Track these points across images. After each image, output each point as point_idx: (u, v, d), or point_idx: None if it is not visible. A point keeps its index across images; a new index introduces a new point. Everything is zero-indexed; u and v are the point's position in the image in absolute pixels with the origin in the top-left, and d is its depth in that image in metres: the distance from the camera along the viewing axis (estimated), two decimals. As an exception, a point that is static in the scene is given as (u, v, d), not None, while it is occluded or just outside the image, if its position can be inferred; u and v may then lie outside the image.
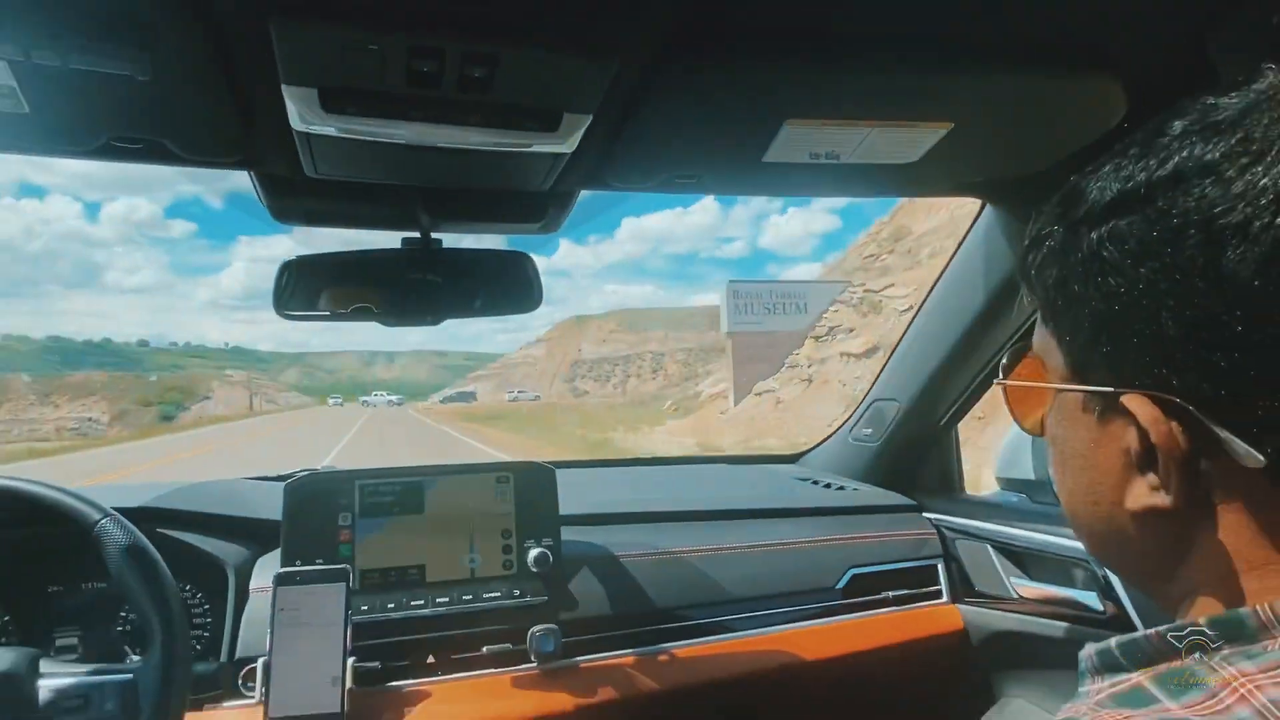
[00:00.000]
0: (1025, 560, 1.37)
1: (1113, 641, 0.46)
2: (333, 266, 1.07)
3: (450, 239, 1.11)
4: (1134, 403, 0.42)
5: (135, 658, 1.11)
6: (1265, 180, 0.36)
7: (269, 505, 1.27)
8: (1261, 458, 0.38)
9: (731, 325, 27.52)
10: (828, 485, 1.68)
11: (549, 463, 1.32)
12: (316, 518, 1.17)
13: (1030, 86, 0.82)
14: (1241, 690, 0.38)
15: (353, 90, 0.69)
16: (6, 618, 1.17)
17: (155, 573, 0.90)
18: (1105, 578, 1.19)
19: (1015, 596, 1.37)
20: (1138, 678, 0.42)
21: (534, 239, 1.23)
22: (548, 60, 0.68)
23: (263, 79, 0.68)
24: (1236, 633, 0.40)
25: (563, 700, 1.14)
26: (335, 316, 1.09)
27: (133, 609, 0.96)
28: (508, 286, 1.12)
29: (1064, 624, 1.29)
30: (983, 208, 1.29)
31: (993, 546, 1.41)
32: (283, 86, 0.68)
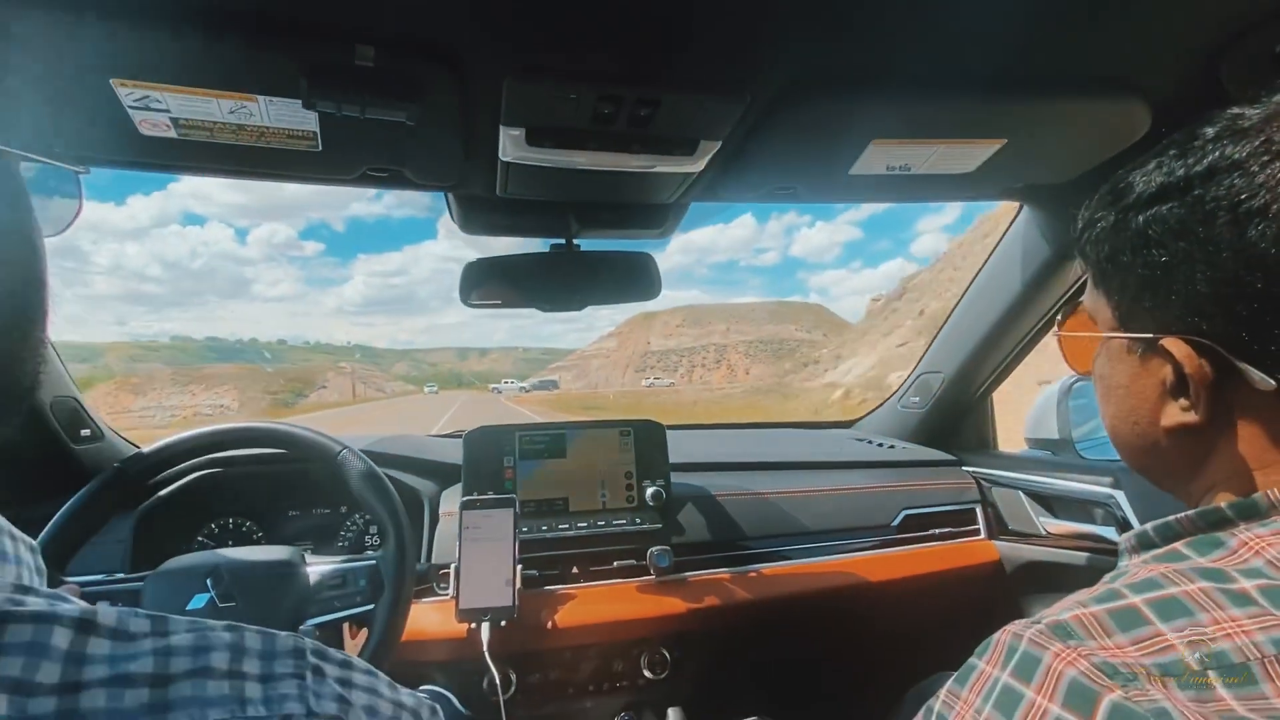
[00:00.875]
0: (1052, 503, 1.39)
1: (1148, 526, 0.52)
2: (502, 267, 1.17)
3: (586, 244, 1.21)
4: (1172, 344, 0.47)
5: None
6: None
7: (446, 453, 1.39)
8: (1274, 382, 0.43)
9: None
10: (880, 444, 1.72)
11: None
12: (487, 460, 1.27)
13: (1072, 108, 0.85)
14: (1257, 547, 0.44)
15: (551, 128, 0.79)
16: (260, 534, 1.32)
17: (386, 488, 1.00)
18: (1123, 516, 1.22)
19: (1044, 533, 1.39)
20: (1175, 546, 0.48)
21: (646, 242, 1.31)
22: (696, 100, 0.76)
23: (487, 122, 0.78)
24: (1252, 511, 0.45)
25: (676, 604, 1.22)
26: (504, 305, 1.18)
27: (371, 516, 1.05)
28: (635, 279, 1.18)
29: (1086, 554, 1.31)
30: (1020, 209, 1.31)
31: (1024, 492, 1.44)
32: (501, 127, 0.79)
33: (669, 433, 1.37)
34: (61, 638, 0.28)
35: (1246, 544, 0.44)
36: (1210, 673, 0.38)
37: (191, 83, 0.67)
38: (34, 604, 0.29)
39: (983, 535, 1.49)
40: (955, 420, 1.67)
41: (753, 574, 1.31)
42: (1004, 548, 1.45)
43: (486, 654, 1.05)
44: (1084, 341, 0.61)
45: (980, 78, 0.79)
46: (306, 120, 0.74)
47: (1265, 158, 0.43)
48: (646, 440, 1.35)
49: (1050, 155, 0.98)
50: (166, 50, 0.62)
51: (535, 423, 1.34)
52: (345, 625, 1.01)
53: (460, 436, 1.33)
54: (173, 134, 0.75)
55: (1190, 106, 0.55)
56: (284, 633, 0.36)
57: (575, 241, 1.18)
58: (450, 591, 1.12)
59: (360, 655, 0.91)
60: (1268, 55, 0.74)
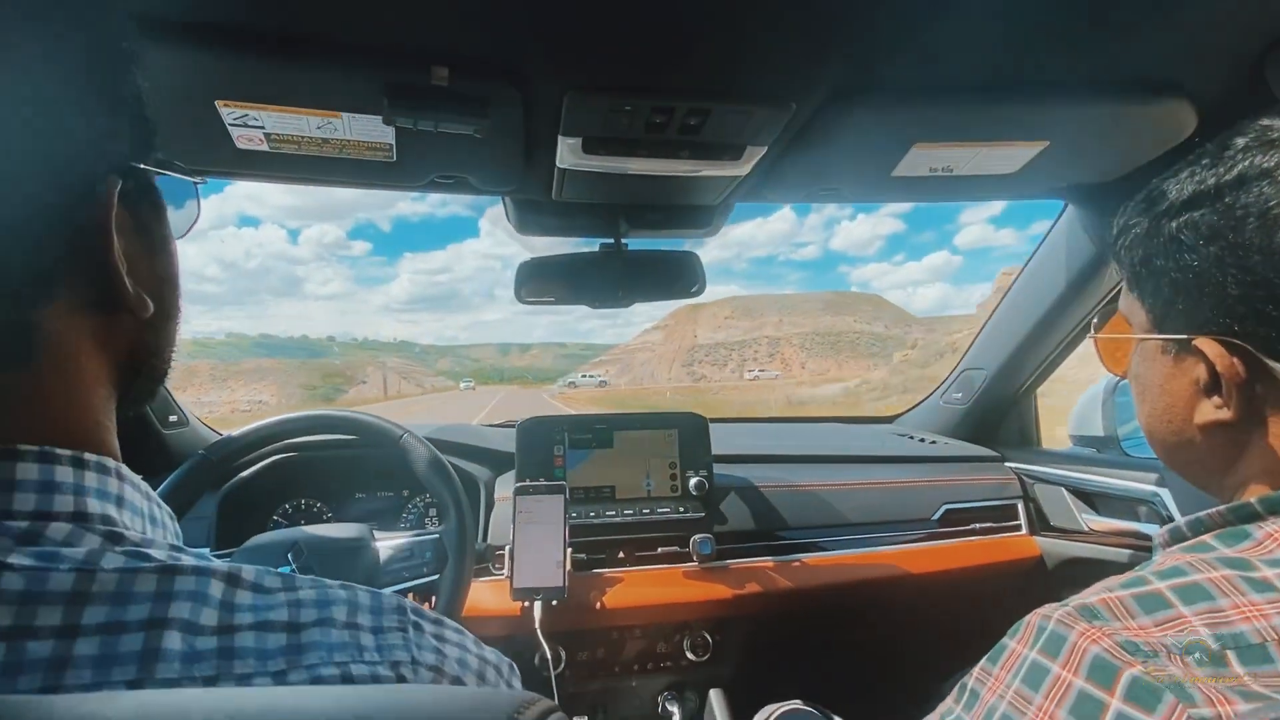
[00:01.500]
0: (1095, 500, 1.39)
1: (1181, 521, 0.54)
2: (555, 265, 1.22)
3: (633, 243, 1.25)
4: (1204, 344, 0.50)
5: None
6: None
7: (499, 441, 1.46)
8: None
9: None
10: (922, 440, 1.72)
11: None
12: (539, 448, 1.33)
13: (1115, 110, 0.85)
14: None
15: (607, 138, 0.84)
16: (330, 514, 1.41)
17: (445, 467, 1.07)
18: (1168, 514, 1.20)
19: (1086, 530, 1.39)
20: (1203, 538, 0.51)
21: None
22: (744, 109, 0.80)
23: (547, 132, 0.84)
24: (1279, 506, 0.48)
25: (718, 590, 1.26)
26: (556, 301, 1.24)
27: (434, 496, 1.12)
28: (680, 277, 1.22)
29: (1128, 551, 1.30)
30: (1065, 206, 1.31)
31: (1067, 489, 1.43)
32: (559, 137, 0.84)
33: (713, 425, 1.41)
34: (216, 588, 0.34)
35: (1272, 535, 0.46)
36: (1229, 652, 0.40)
37: (286, 102, 0.73)
38: (189, 560, 0.35)
39: (1024, 531, 1.49)
40: (998, 416, 1.67)
41: (794, 563, 1.33)
42: (1045, 544, 1.45)
43: (539, 631, 1.10)
44: (1120, 343, 0.64)
45: (1022, 82, 0.81)
46: (384, 134, 0.80)
47: None
48: (690, 432, 1.39)
49: (1094, 156, 0.98)
50: (266, 74, 0.69)
51: (584, 414, 1.40)
52: (410, 597, 1.08)
53: (513, 426, 1.39)
54: (265, 147, 0.82)
55: (1237, 107, 0.56)
56: (387, 592, 0.41)
57: (624, 241, 1.22)
58: (505, 572, 1.18)
59: None
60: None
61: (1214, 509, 0.51)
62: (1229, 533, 0.49)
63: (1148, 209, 0.55)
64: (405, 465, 1.09)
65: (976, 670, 0.50)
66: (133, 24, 0.41)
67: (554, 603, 1.14)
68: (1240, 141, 0.49)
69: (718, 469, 1.39)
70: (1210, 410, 0.52)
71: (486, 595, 1.20)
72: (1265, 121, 0.49)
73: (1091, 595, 0.47)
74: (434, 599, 1.02)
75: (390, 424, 1.12)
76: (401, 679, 0.37)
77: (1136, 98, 0.83)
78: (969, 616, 1.45)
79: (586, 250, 1.24)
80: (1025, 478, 1.53)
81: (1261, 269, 0.46)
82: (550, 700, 0.30)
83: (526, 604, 1.15)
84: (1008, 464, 1.58)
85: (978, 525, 1.47)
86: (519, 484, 1.22)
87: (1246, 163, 0.47)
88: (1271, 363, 0.47)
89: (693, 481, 1.33)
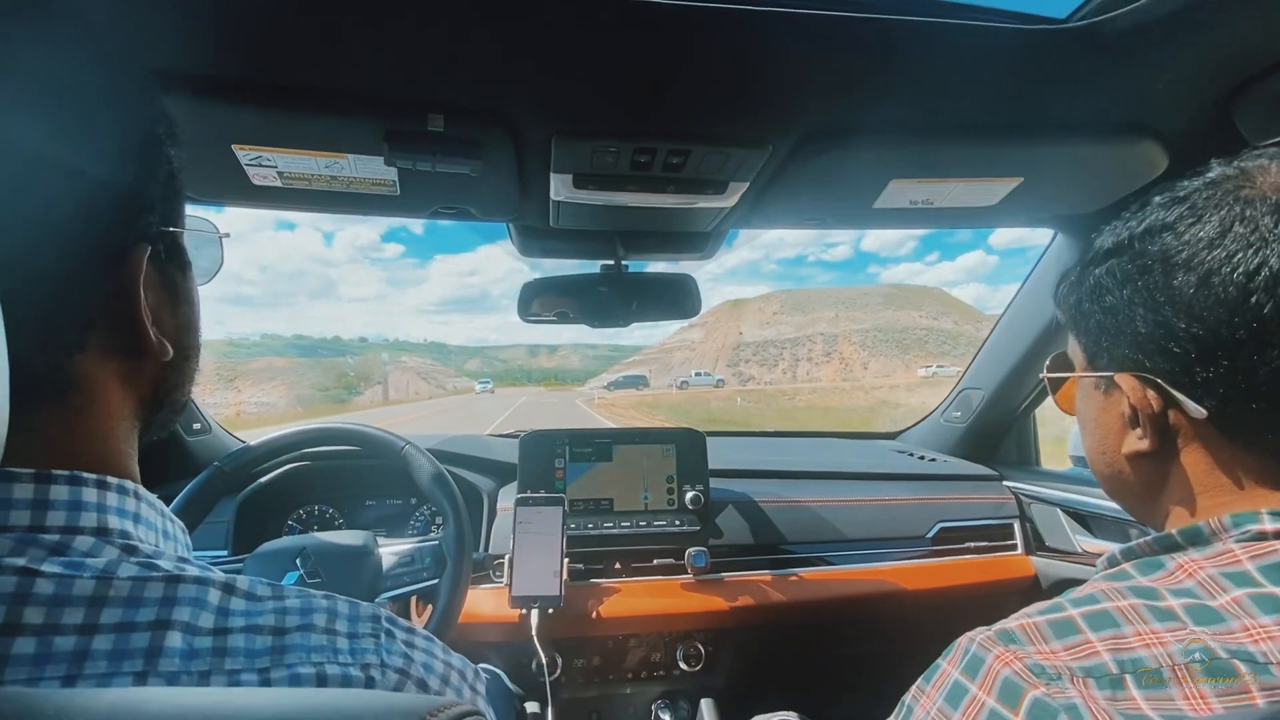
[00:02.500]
0: (1089, 521, 1.40)
1: (1117, 549, 0.58)
2: (556, 285, 1.28)
3: (633, 264, 1.30)
4: (1122, 380, 0.54)
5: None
6: (1201, 233, 0.49)
7: (504, 452, 1.52)
8: (1204, 411, 0.50)
9: None
10: (921, 457, 1.74)
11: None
12: (540, 461, 1.39)
13: (1086, 150, 0.89)
14: (1190, 570, 0.50)
15: (595, 175, 0.89)
16: (340, 520, 1.48)
17: (445, 480, 1.11)
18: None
19: (1079, 551, 1.40)
20: (1125, 567, 0.55)
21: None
22: (722, 150, 0.85)
23: (539, 169, 0.90)
24: (1196, 537, 0.51)
25: (713, 601, 1.30)
26: (558, 319, 1.29)
27: (434, 504, 1.17)
28: (677, 299, 1.27)
29: None
30: (1055, 234, 1.34)
31: (1062, 510, 1.45)
32: (551, 174, 0.89)
33: (711, 440, 1.46)
34: (214, 595, 0.40)
35: (1182, 566, 0.50)
36: (1127, 676, 0.44)
37: (295, 145, 0.80)
38: (192, 570, 0.41)
39: (1020, 550, 1.51)
40: (997, 436, 1.68)
41: (788, 578, 1.37)
42: (1040, 564, 1.47)
43: (535, 638, 1.15)
44: (1066, 381, 0.68)
45: (991, 124, 0.84)
46: (387, 171, 0.87)
47: (1190, 220, 0.50)
48: (688, 447, 1.43)
49: (1069, 192, 1.01)
50: (276, 121, 0.76)
51: (584, 429, 1.45)
52: (413, 601, 1.14)
53: (517, 437, 1.44)
54: (278, 184, 0.89)
55: (1206, 147, 0.60)
56: (365, 602, 0.47)
57: (623, 263, 1.28)
58: (504, 580, 1.23)
59: (428, 623, 1.03)
60: (1275, 100, 0.77)
61: (1144, 539, 0.55)
62: (1147, 562, 0.53)
63: (1081, 257, 0.60)
64: (406, 472, 1.14)
65: (913, 689, 0.55)
66: (162, 90, 0.47)
67: (550, 611, 1.19)
68: (1157, 199, 0.54)
69: (716, 483, 1.43)
70: (1134, 441, 0.56)
71: (487, 602, 1.25)
72: (1182, 181, 0.53)
73: (1013, 620, 0.51)
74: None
75: (393, 436, 1.18)
76: (371, 679, 0.43)
77: (1106, 139, 0.87)
78: (963, 633, 1.47)
79: (587, 271, 1.29)
80: (1023, 497, 1.55)
81: (1164, 310, 0.51)
82: (472, 706, 0.35)
83: (524, 612, 1.19)
84: (1006, 483, 1.60)
85: (972, 544, 1.49)
86: (520, 495, 1.27)
87: (1154, 217, 0.53)
88: (1178, 395, 0.51)
89: (689, 495, 1.37)
